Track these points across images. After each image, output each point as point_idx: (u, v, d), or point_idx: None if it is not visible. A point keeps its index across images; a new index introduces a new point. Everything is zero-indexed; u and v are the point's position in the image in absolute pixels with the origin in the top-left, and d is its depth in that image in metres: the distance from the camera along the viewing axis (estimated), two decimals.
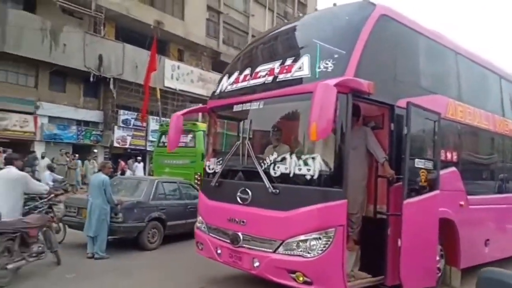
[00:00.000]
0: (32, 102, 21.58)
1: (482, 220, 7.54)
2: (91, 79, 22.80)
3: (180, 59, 29.08)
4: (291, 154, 5.41)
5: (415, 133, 5.85)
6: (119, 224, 8.79)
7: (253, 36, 29.98)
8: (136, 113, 24.70)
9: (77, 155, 21.46)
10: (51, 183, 14.95)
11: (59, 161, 20.31)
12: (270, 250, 5.33)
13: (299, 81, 5.39)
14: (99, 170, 9.36)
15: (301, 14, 34.13)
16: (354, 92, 5.16)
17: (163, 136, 14.45)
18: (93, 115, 24.25)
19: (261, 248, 5.45)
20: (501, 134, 8.46)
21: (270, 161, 5.52)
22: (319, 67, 5.29)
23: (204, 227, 6.44)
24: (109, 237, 8.71)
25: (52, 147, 21.94)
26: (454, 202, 6.81)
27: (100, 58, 23.23)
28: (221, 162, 6.26)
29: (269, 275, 5.38)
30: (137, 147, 24.81)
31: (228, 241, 5.82)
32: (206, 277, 7.11)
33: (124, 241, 9.51)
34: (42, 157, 19.10)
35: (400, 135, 5.76)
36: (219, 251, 6.05)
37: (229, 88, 6.44)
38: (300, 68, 5.46)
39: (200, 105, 8.11)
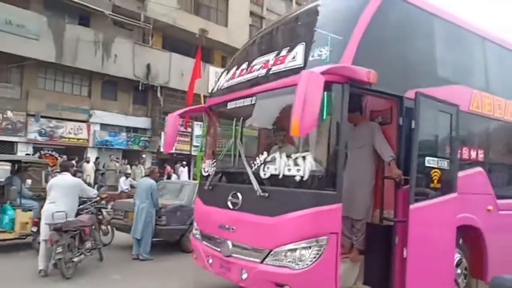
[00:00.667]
0: (86, 110, 22.16)
1: None
2: (140, 87, 23.12)
3: (224, 65, 28.89)
4: (281, 153, 4.74)
5: (425, 127, 5.01)
6: (163, 226, 8.90)
7: None
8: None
9: (126, 161, 21.80)
10: (126, 187, 15.43)
11: (109, 166, 20.73)
12: (258, 260, 4.68)
13: (291, 72, 4.71)
14: (147, 175, 9.53)
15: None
16: (352, 82, 4.44)
17: None
18: (142, 122, 24.52)
19: (249, 258, 4.81)
20: None
21: (261, 161, 4.90)
22: (312, 56, 4.63)
23: (198, 234, 5.87)
24: (153, 239, 8.84)
25: (103, 152, 22.36)
26: (479, 206, 5.88)
27: (148, 67, 23.47)
28: (215, 164, 5.71)
29: None
30: (182, 152, 24.72)
31: (219, 249, 5.22)
32: None
33: (167, 243, 9.58)
34: (87, 162, 19.51)
35: (409, 130, 4.93)
36: (210, 261, 5.43)
37: (226, 84, 5.86)
38: (294, 58, 4.81)
39: None
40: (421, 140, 4.93)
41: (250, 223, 4.84)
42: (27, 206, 9.12)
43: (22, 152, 19.86)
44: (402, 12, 5.27)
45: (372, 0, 4.91)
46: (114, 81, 23.07)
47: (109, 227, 9.50)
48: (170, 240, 9.42)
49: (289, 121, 5.14)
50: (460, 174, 5.51)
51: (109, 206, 10.10)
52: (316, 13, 5.47)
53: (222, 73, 6.23)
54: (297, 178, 4.49)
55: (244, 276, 4.80)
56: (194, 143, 24.77)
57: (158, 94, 24.14)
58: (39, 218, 7.80)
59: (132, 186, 14.48)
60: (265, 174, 4.79)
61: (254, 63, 5.41)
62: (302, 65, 4.63)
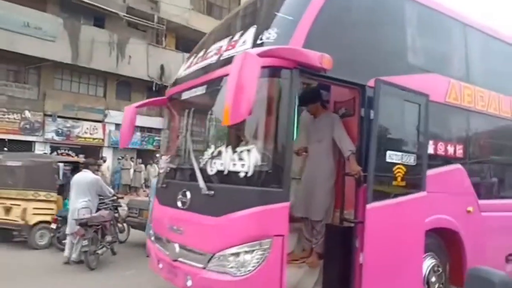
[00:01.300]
0: (101, 110, 22.15)
1: (500, 230, 5.74)
2: (154, 88, 22.87)
3: None
4: (226, 147, 4.23)
5: (387, 119, 4.47)
6: None
7: None
8: None
9: (140, 160, 21.73)
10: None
11: (124, 165, 20.70)
12: (201, 266, 4.17)
13: None
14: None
15: None
16: (302, 67, 3.93)
17: None
18: (155, 122, 24.31)
19: (194, 263, 4.30)
20: None
21: (208, 156, 4.43)
22: (260, 39, 4.14)
23: (153, 236, 5.40)
24: None
25: (118, 152, 22.28)
26: (457, 207, 5.26)
27: (162, 67, 23.26)
28: (169, 160, 5.27)
29: None
30: None
31: (167, 253, 4.75)
32: None
33: None
34: (104, 161, 19.45)
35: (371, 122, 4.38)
36: (160, 265, 4.94)
37: (183, 74, 5.40)
38: (244, 42, 4.34)
39: None
40: (382, 132, 4.41)
41: (195, 224, 4.36)
42: None
43: (40, 151, 19.96)
44: None
45: None
46: (128, 82, 23.00)
47: (125, 224, 9.68)
48: None
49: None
50: (433, 171, 4.95)
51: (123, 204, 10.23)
52: None
53: (185, 62, 5.77)
54: (242, 174, 3.99)
55: (189, 283, 4.29)
56: None
57: None
58: (59, 216, 8.65)
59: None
60: (211, 170, 4.30)
61: (209, 49, 4.95)
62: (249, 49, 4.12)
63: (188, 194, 4.53)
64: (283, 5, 4.32)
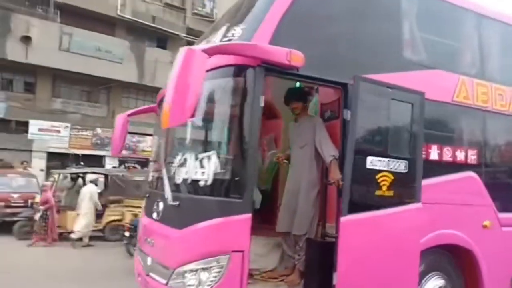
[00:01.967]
0: None
1: None
2: None
3: None
4: (190, 154, 3.79)
5: (368, 120, 3.85)
6: None
7: None
8: None
9: None
10: None
11: None
12: (164, 282, 3.75)
13: None
14: None
15: None
16: (269, 65, 3.45)
17: None
18: None
19: (159, 278, 3.89)
20: None
21: (176, 164, 4.05)
22: (226, 36, 3.79)
23: (137, 248, 5.01)
24: None
25: None
26: (469, 221, 4.43)
27: None
28: (151, 168, 4.98)
29: None
30: None
31: (142, 265, 4.40)
32: None
33: None
34: None
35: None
36: (139, 278, 4.57)
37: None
38: (214, 41, 4.00)
39: None
40: (361, 136, 3.80)
41: (162, 236, 3.98)
42: None
43: (110, 165, 20.94)
44: None
45: None
46: None
47: None
48: None
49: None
50: (436, 179, 4.22)
51: None
52: None
53: None
54: (201, 183, 3.59)
55: None
56: None
57: None
58: (132, 225, 8.72)
59: None
60: (178, 179, 3.89)
61: None
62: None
63: (161, 204, 4.15)
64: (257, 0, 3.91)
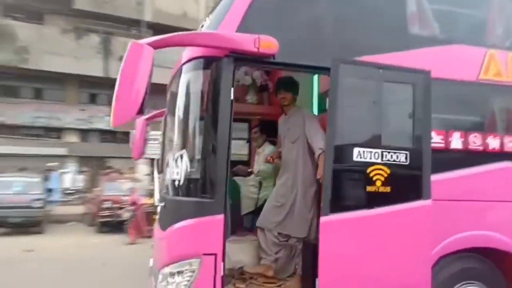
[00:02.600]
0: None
1: None
2: None
3: None
4: (170, 153, 3.58)
5: (355, 106, 3.26)
6: None
7: None
8: None
9: None
10: None
11: None
12: (154, 284, 3.56)
13: None
14: None
15: None
16: (239, 55, 3.09)
17: None
18: None
19: (153, 280, 3.70)
20: None
21: (165, 164, 3.83)
22: (202, 27, 3.61)
23: None
24: None
25: None
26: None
27: None
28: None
29: None
30: None
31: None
32: None
33: None
34: None
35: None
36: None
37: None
38: None
39: None
40: (348, 125, 3.23)
41: (156, 237, 3.88)
42: None
43: None
44: None
45: None
46: None
47: None
48: None
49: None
50: (462, 172, 3.47)
51: None
52: None
53: None
54: (177, 183, 3.36)
55: None
56: None
57: None
58: None
59: None
60: (165, 180, 3.73)
61: None
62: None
63: (160, 206, 3.99)
64: None
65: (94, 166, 20.85)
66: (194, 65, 3.28)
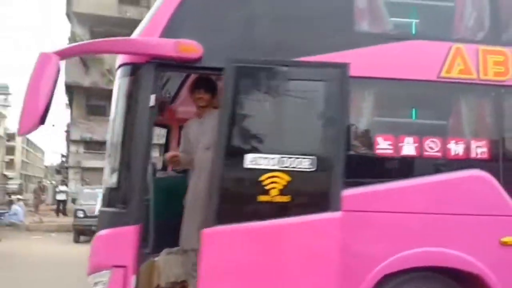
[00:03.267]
0: None
1: None
2: None
3: None
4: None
5: (248, 108, 2.95)
6: None
7: None
8: None
9: None
10: None
11: None
12: None
13: None
14: None
15: None
16: (162, 60, 2.92)
17: None
18: None
19: None
20: None
21: None
22: (139, 34, 3.35)
23: None
24: None
25: None
26: (482, 237, 2.95)
27: None
28: None
29: None
30: None
31: None
32: None
33: None
34: None
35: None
36: None
37: None
38: None
39: None
40: (239, 129, 2.93)
41: None
42: None
43: None
44: None
45: None
46: None
47: None
48: None
49: None
50: (412, 181, 2.91)
51: None
52: None
53: None
54: (103, 192, 3.27)
55: None
56: None
57: None
58: None
59: None
60: None
61: None
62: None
63: None
64: None
65: None
66: (120, 71, 3.16)
